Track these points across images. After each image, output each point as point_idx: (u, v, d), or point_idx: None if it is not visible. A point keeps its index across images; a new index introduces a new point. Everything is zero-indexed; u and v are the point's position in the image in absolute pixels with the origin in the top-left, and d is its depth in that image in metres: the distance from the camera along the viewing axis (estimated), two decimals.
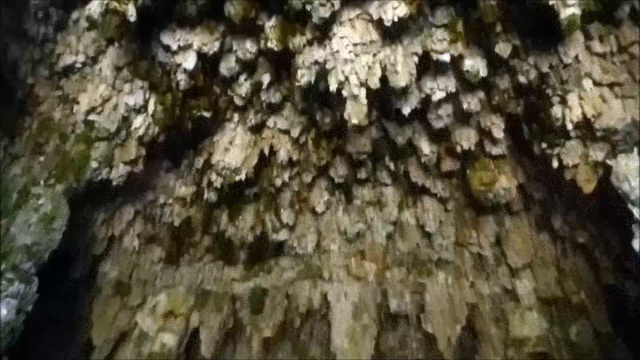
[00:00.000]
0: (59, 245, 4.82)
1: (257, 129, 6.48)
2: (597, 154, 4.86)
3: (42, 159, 4.56)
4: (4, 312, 4.13)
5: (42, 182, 4.54)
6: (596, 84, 4.53)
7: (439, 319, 8.02)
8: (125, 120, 4.93)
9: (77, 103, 4.68)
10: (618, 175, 4.78)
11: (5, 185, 4.36)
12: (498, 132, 5.83)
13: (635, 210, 4.72)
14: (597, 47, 4.41)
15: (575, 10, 4.02)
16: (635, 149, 4.73)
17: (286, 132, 6.56)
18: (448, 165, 6.84)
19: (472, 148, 6.27)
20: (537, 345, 7.20)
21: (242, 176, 6.51)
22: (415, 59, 5.05)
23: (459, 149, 6.30)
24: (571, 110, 4.68)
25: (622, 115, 4.57)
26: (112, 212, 6.40)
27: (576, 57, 4.52)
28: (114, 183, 5.26)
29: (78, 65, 4.60)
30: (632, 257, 5.32)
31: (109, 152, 4.97)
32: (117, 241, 6.82)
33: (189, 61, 4.92)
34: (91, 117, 4.74)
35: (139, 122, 5.01)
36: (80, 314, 6.79)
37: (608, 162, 4.83)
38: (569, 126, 4.74)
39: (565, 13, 3.94)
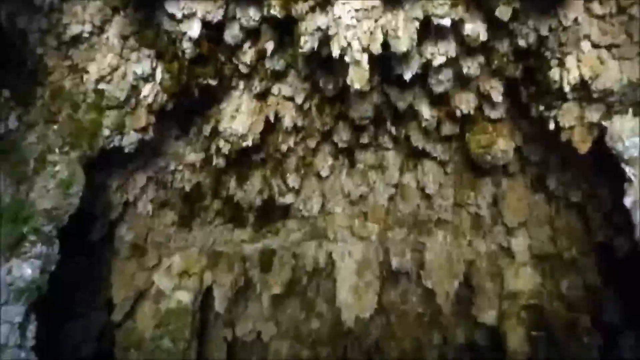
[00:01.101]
0: (78, 209, 5.10)
1: (262, 96, 6.60)
2: (593, 115, 5.01)
3: (55, 127, 4.74)
4: (29, 271, 4.44)
5: (57, 150, 4.74)
6: (594, 45, 4.61)
7: (438, 275, 8.43)
8: (134, 89, 5.06)
9: (87, 72, 4.80)
10: (612, 135, 4.96)
11: (22, 153, 4.57)
12: (497, 96, 5.94)
13: (627, 169, 4.92)
14: (596, 8, 4.47)
15: None
16: (630, 110, 4.88)
17: (290, 98, 6.68)
18: (448, 129, 7.00)
19: (472, 112, 6.40)
20: (530, 298, 7.61)
21: (249, 142, 6.69)
22: (416, 23, 5.09)
23: (458, 113, 6.44)
24: (569, 72, 4.79)
25: (618, 77, 4.68)
26: (125, 178, 6.64)
27: (575, 19, 4.58)
28: (126, 150, 5.46)
29: (85, 34, 4.68)
30: (622, 214, 5.57)
31: (119, 120, 5.14)
32: (132, 206, 7.11)
33: (194, 29, 4.99)
34: (101, 86, 4.87)
35: (147, 90, 5.14)
36: (100, 273, 7.20)
37: (603, 123, 4.98)
38: (566, 88, 4.86)
39: None
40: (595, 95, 4.74)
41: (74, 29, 4.70)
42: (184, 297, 7.84)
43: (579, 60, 4.66)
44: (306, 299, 9.87)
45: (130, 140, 5.37)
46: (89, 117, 4.86)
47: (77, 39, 4.63)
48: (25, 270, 4.32)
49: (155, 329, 7.56)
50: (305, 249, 8.83)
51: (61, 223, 4.73)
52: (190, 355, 7.93)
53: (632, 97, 4.73)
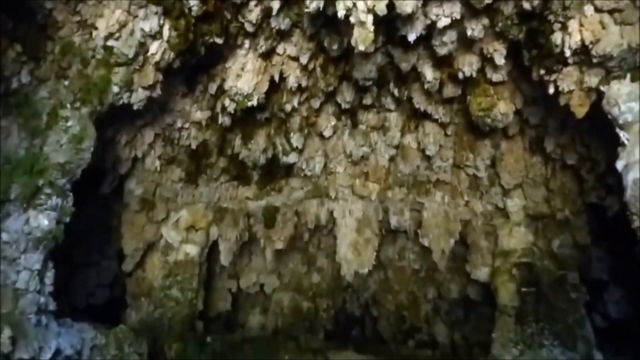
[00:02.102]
0: (89, 163, 5.32)
1: (267, 56, 6.67)
2: (592, 79, 5.10)
3: (66, 82, 4.87)
4: (46, 222, 4.71)
5: (68, 105, 4.90)
6: (597, 9, 4.65)
7: (435, 233, 8.75)
8: (142, 46, 5.14)
9: (95, 28, 4.88)
10: (609, 100, 5.06)
11: (34, 108, 4.73)
12: (499, 59, 5.99)
13: (622, 134, 5.06)
14: None
15: None
16: (628, 75, 4.96)
17: (295, 58, 6.74)
18: (449, 91, 7.09)
19: (474, 74, 6.47)
20: (522, 256, 7.94)
21: (254, 101, 6.81)
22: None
23: (460, 75, 6.51)
24: (571, 36, 4.85)
25: (619, 42, 4.73)
26: (133, 134, 6.84)
27: None
28: (135, 107, 5.61)
29: None
30: (614, 176, 5.77)
31: (128, 77, 5.26)
32: (140, 161, 7.34)
33: None
34: (109, 42, 4.96)
35: (154, 47, 5.23)
36: (111, 225, 7.53)
37: (601, 87, 5.08)
38: (567, 52, 4.93)
39: None
40: (595, 60, 4.82)
41: None
42: (191, 250, 8.22)
43: (581, 25, 4.71)
44: (307, 254, 10.27)
45: (138, 97, 5.51)
46: (98, 74, 4.98)
47: None
48: (42, 221, 4.59)
49: (164, 279, 7.98)
50: (308, 207, 9.12)
51: (74, 177, 4.96)
52: (197, 305, 8.40)
53: (631, 62, 4.81)
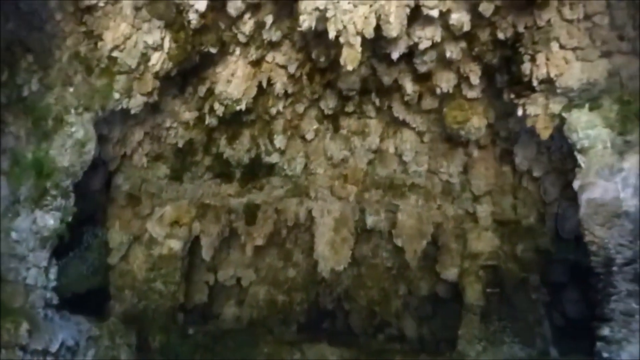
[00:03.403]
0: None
1: (256, 63, 6.96)
2: (556, 107, 5.68)
3: (71, 89, 5.06)
4: (51, 221, 4.96)
5: (72, 111, 5.10)
6: (562, 47, 5.20)
7: (408, 234, 9.29)
8: (144, 56, 5.37)
9: (102, 39, 5.08)
10: (570, 126, 5.67)
11: (42, 113, 4.91)
12: (475, 79, 6.52)
13: (579, 157, 5.68)
14: (567, 13, 5.01)
15: None
16: (587, 105, 5.57)
17: (283, 66, 7.07)
18: (427, 103, 7.60)
19: (451, 90, 6.99)
20: (489, 259, 8.57)
21: (242, 106, 7.14)
22: (407, 10, 5.53)
23: (438, 90, 7.01)
24: (538, 68, 5.40)
25: (580, 76, 5.32)
26: (124, 132, 7.01)
27: (548, 20, 5.13)
28: (132, 112, 5.84)
29: (101, 4, 4.92)
30: (574, 191, 6.42)
31: (128, 85, 5.48)
32: (128, 158, 7.51)
33: (200, 3, 5.29)
34: (114, 53, 5.17)
35: (155, 58, 5.46)
36: (98, 219, 7.69)
37: (563, 114, 5.67)
38: (535, 82, 5.49)
39: None
40: (558, 91, 5.39)
41: None
42: (175, 245, 8.47)
43: (547, 59, 5.26)
44: (284, 250, 10.64)
45: (136, 102, 5.74)
46: (101, 82, 5.19)
47: (92, 7, 4.85)
48: (48, 220, 4.83)
49: (148, 272, 8.22)
50: (287, 205, 9.49)
51: (77, 178, 5.18)
52: (179, 297, 8.68)
53: (590, 94, 5.40)
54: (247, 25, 6.15)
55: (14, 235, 4.60)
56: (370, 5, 5.39)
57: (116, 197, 7.80)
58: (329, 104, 8.06)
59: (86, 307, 7.42)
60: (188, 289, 9.39)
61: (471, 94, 7.06)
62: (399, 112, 8.07)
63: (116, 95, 5.41)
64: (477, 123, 7.43)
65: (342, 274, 10.36)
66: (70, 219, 5.19)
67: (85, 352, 5.44)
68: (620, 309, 5.08)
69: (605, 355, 5.13)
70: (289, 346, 8.56)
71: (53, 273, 5.04)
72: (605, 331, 5.17)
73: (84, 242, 7.60)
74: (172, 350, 7.50)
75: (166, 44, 5.44)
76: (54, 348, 4.81)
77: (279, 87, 7.41)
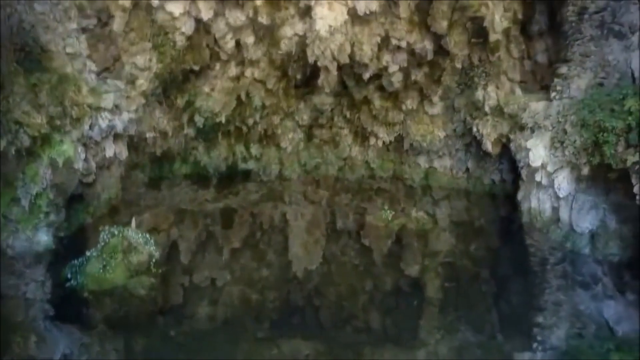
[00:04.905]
0: None
1: (236, 78, 7.38)
2: (504, 128, 6.50)
3: (60, 109, 5.28)
4: (45, 238, 5.20)
5: (62, 130, 5.33)
6: (509, 79, 6.00)
7: (375, 235, 10.00)
8: (131, 77, 5.67)
9: (92, 61, 5.33)
10: (515, 145, 6.49)
11: (32, 133, 5.09)
12: (436, 99, 7.25)
13: (522, 172, 6.53)
14: (514, 51, 5.78)
15: (503, 24, 5.31)
16: (529, 128, 6.40)
17: (262, 82, 7.51)
18: (394, 117, 8.30)
19: (415, 107, 7.70)
20: (446, 256, 9.37)
21: (222, 119, 7.55)
22: (378, 39, 6.15)
23: (404, 107, 7.70)
24: (489, 96, 6.18)
25: (523, 106, 6.14)
26: (104, 142, 7.21)
27: (499, 56, 5.89)
28: (118, 128, 6.11)
29: (90, 27, 5.17)
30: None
31: (116, 103, 5.77)
32: (106, 169, 7.70)
33: (188, 26, 5.65)
34: (104, 74, 5.43)
35: (143, 78, 5.78)
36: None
37: (510, 135, 6.49)
38: (486, 108, 6.27)
39: (495, 29, 5.21)
40: (506, 116, 6.19)
41: (82, 22, 5.16)
42: (154, 251, 8.70)
43: (497, 88, 6.04)
44: (259, 251, 11.07)
45: (123, 119, 6.03)
46: (90, 101, 5.43)
47: (82, 30, 5.10)
48: (42, 237, 5.05)
49: (129, 279, 8.43)
50: (262, 209, 9.95)
51: (67, 195, 5.42)
52: (158, 301, 8.94)
53: (532, 120, 6.24)
54: (229, 44, 6.58)
55: (9, 252, 4.80)
56: (346, 34, 5.96)
57: (95, 206, 7.97)
58: (304, 116, 8.61)
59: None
60: (164, 291, 9.63)
61: (432, 110, 7.83)
62: (368, 124, 8.76)
63: (105, 114, 5.69)
64: (437, 136, 8.24)
65: (312, 272, 10.93)
66: (62, 234, 5.43)
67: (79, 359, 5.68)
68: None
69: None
70: (266, 342, 9.03)
71: (47, 286, 5.27)
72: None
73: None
74: (155, 352, 7.78)
75: (153, 65, 5.81)
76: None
77: (257, 101, 7.89)
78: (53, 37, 5.10)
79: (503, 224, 8.79)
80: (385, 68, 6.75)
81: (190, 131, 7.91)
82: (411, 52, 6.44)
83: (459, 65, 6.35)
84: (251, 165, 9.10)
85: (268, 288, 11.30)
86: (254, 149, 8.86)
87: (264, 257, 11.02)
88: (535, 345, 5.19)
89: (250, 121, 8.34)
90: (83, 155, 5.64)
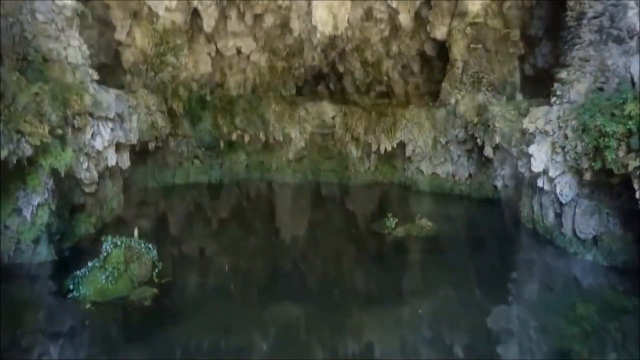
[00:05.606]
0: None
1: (220, 52, 7.47)
2: (505, 134, 6.93)
3: (62, 118, 4.91)
4: (47, 248, 5.20)
5: (64, 139, 5.09)
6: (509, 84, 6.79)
7: (359, 199, 10.29)
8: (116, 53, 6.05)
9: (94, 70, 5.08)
10: (517, 150, 6.95)
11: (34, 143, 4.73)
12: (416, 68, 8.23)
13: (524, 177, 6.79)
14: (514, 57, 6.24)
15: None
16: (531, 133, 6.56)
17: (247, 56, 7.46)
18: (376, 88, 8.89)
19: (416, 113, 8.37)
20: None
21: (207, 91, 7.76)
22: (361, 11, 6.91)
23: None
24: (489, 102, 7.05)
25: (524, 111, 6.57)
26: (105, 151, 6.68)
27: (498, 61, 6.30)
28: (120, 138, 6.21)
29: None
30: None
31: (118, 112, 5.83)
32: (108, 178, 7.14)
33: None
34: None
35: (127, 54, 6.39)
36: None
37: (512, 141, 6.95)
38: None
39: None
40: (507, 121, 6.88)
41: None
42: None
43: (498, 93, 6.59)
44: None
45: (125, 128, 6.05)
46: (92, 110, 5.28)
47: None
48: (44, 248, 5.06)
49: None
50: (250, 178, 9.95)
51: (69, 205, 5.59)
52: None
53: (533, 125, 6.46)
54: (212, 18, 6.83)
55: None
56: (329, 7, 6.28)
57: None
58: (288, 89, 8.86)
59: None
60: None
61: (413, 80, 8.16)
62: (351, 94, 9.09)
63: (106, 122, 5.44)
64: (415, 112, 8.62)
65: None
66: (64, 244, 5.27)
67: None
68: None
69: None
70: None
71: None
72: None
73: None
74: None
75: (138, 41, 5.66)
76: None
77: (241, 74, 7.93)
78: (55, 47, 5.04)
79: (505, 230, 7.82)
80: (367, 40, 6.98)
81: (176, 105, 7.76)
82: (393, 25, 7.03)
83: (459, 71, 6.64)
84: (236, 136, 9.30)
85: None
86: (239, 121, 9.18)
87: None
88: None
89: (234, 94, 8.75)
90: (85, 165, 5.25)
